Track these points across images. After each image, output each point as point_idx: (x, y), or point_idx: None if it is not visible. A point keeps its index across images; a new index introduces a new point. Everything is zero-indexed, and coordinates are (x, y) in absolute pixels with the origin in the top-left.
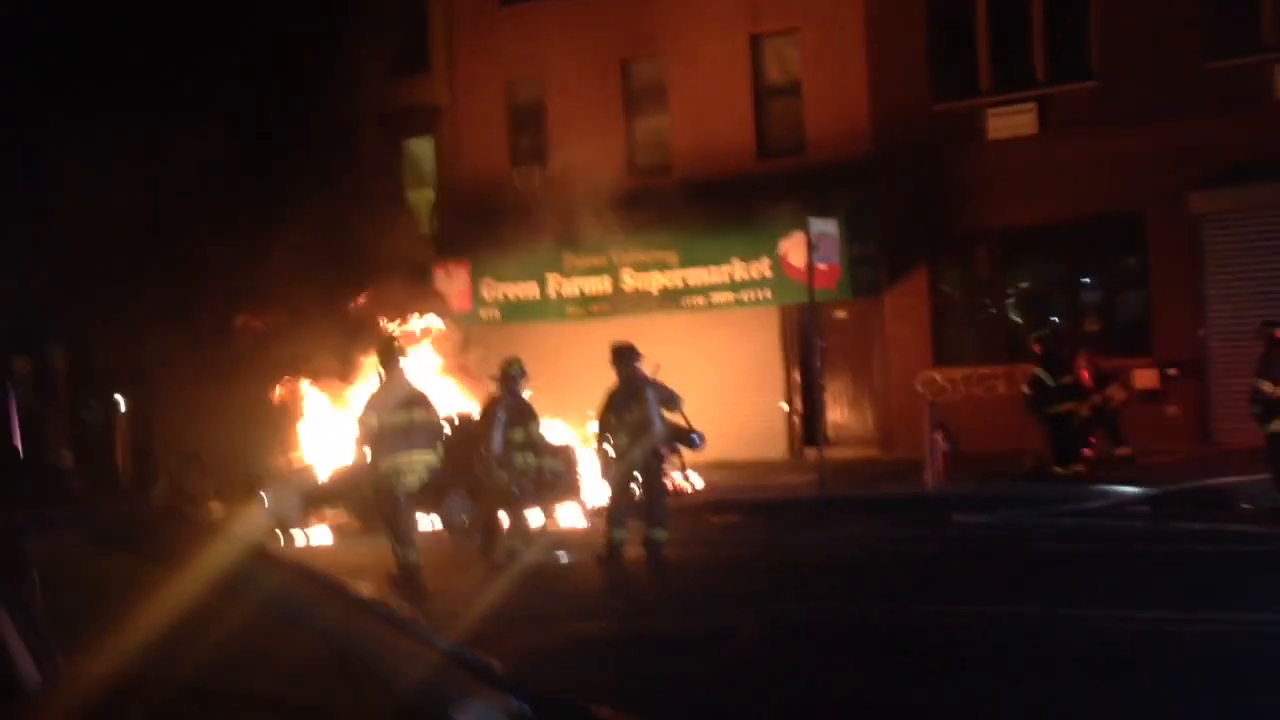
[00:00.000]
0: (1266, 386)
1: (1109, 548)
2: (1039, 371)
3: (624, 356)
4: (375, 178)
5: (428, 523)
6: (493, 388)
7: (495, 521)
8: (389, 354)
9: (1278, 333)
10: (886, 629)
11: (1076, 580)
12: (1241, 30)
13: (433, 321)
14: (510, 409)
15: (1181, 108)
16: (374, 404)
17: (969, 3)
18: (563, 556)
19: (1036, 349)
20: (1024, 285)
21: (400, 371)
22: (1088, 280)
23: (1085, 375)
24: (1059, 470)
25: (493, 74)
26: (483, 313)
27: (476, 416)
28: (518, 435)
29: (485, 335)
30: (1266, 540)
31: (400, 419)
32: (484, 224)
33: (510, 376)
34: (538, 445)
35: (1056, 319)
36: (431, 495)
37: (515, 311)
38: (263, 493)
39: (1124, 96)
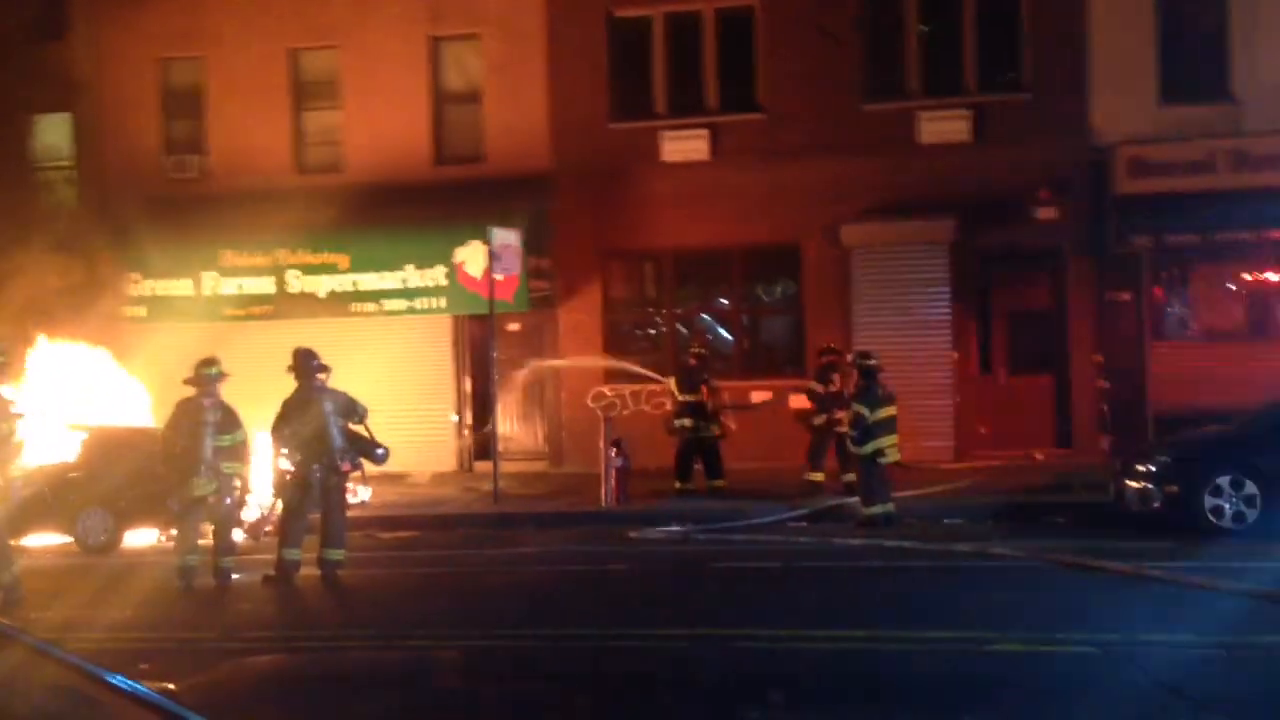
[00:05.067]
0: (864, 411)
1: (791, 564)
2: (672, 384)
3: (302, 363)
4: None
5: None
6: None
7: (193, 536)
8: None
9: (870, 363)
10: (586, 657)
11: (775, 600)
12: (891, 78)
13: None
14: (216, 411)
15: (838, 145)
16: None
17: (646, 25)
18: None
19: (694, 362)
20: (691, 305)
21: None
22: (749, 303)
23: (706, 395)
24: (677, 485)
25: (145, 50)
26: (127, 309)
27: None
28: (225, 441)
29: (130, 335)
30: (927, 555)
31: None
32: (133, 214)
33: (210, 377)
34: (242, 454)
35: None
36: (65, 512)
37: (163, 309)
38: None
39: (787, 131)
